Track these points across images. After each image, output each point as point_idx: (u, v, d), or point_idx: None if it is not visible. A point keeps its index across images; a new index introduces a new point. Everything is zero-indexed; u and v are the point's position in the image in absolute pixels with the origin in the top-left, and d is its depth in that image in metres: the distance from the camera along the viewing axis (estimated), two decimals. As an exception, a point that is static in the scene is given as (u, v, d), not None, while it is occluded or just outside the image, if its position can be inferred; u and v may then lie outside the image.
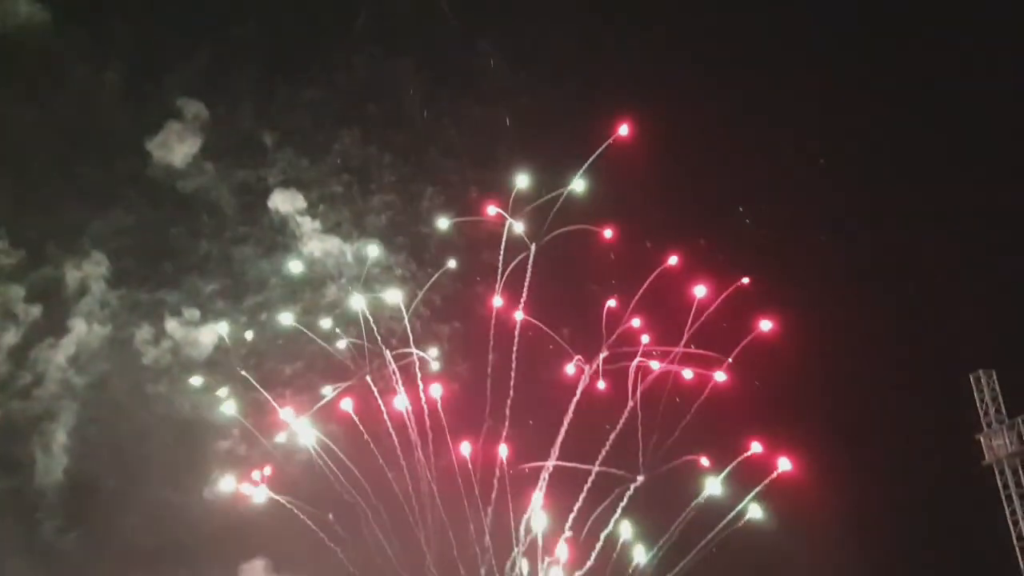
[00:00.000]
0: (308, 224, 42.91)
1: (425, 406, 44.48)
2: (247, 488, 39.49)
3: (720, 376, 42.21)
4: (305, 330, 41.09)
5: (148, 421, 39.26)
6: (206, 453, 40.52)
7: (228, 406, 40.04)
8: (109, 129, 40.73)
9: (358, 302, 42.05)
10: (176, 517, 39.34)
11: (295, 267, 42.18)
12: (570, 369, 43.36)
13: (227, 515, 40.09)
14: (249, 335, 41.60)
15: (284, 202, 42.61)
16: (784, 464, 39.64)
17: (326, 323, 42.50)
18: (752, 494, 40.15)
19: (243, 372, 40.86)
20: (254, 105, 43.05)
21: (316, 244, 42.87)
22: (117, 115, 40.63)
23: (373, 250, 43.25)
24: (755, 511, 39.91)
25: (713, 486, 40.64)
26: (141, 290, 40.96)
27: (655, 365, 43.13)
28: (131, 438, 39.10)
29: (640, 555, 41.34)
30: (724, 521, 39.91)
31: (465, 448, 41.73)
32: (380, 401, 43.85)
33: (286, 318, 41.53)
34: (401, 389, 42.72)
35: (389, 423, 43.54)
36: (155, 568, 37.91)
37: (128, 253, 41.22)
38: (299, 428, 41.16)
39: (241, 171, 42.49)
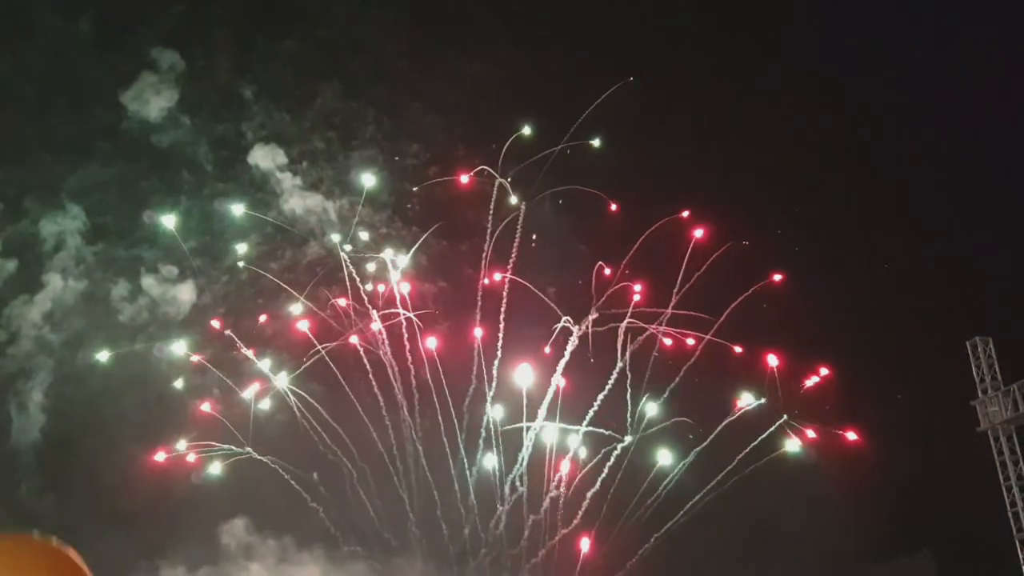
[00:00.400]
0: (289, 180, 41.94)
1: (412, 367, 44.51)
2: (192, 456, 39.17)
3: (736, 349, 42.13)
4: (264, 273, 40.38)
5: (125, 380, 38.52)
6: (185, 413, 39.98)
7: (179, 346, 39.38)
8: (82, 80, 39.58)
9: (344, 256, 41.66)
10: (155, 477, 38.97)
11: (236, 210, 41.13)
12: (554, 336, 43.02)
13: (208, 474, 39.93)
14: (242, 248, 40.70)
15: (264, 158, 41.53)
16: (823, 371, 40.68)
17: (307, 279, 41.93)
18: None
19: (229, 334, 40.59)
20: (232, 56, 41.83)
21: (297, 201, 41.92)
22: (90, 65, 39.38)
23: (368, 179, 42.39)
24: (793, 445, 40.49)
25: (748, 399, 41.24)
26: (118, 246, 40.18)
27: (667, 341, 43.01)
28: (108, 397, 38.45)
29: (665, 458, 41.16)
30: (765, 434, 40.31)
31: (432, 342, 41.76)
32: (365, 360, 43.84)
33: (239, 256, 40.77)
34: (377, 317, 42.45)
35: (374, 381, 43.42)
36: (134, 528, 37.46)
37: (105, 208, 40.35)
38: (278, 381, 40.92)
39: (219, 125, 41.46)
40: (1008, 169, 40.45)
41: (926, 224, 42.53)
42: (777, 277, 41.95)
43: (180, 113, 40.08)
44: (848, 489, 39.54)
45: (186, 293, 40.00)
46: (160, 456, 38.69)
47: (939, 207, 42.23)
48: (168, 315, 39.53)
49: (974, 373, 36.43)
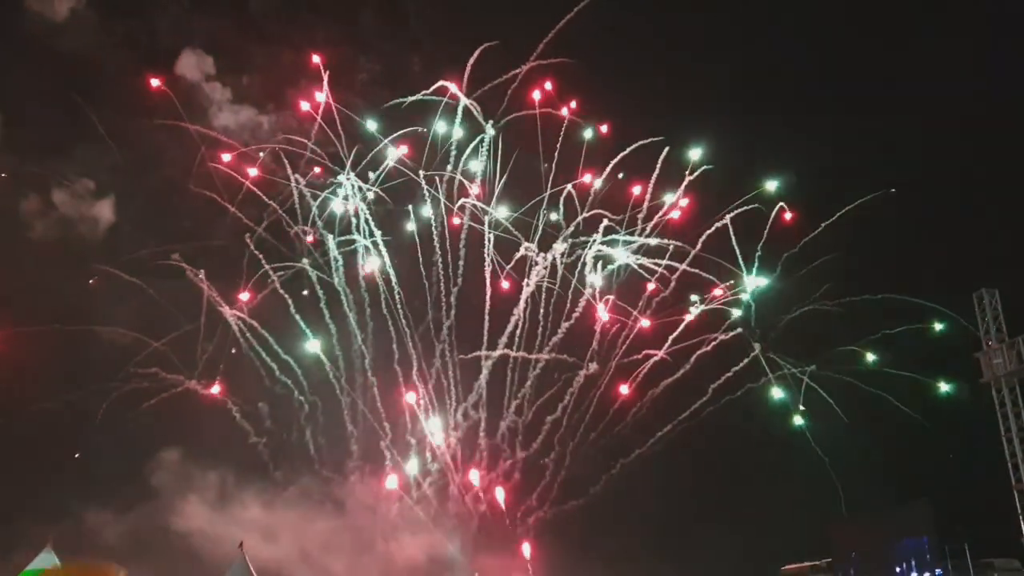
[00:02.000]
0: (219, 92, 38.73)
1: (366, 295, 42.08)
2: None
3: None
4: (206, 191, 37.46)
5: (39, 306, 35.92)
6: (112, 341, 37.55)
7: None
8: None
9: (295, 178, 39.32)
10: (82, 410, 36.83)
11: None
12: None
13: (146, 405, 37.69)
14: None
15: (191, 67, 38.25)
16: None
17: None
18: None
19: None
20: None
21: (229, 116, 38.79)
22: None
23: (322, 96, 39.34)
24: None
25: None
26: (28, 158, 36.97)
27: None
28: (23, 327, 35.71)
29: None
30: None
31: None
32: (318, 287, 41.50)
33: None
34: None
35: (326, 310, 41.11)
36: (61, 465, 36.08)
37: (15, 117, 36.94)
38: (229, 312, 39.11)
39: (136, 28, 37.93)
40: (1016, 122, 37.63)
41: (934, 173, 39.64)
42: (788, 216, 40.10)
43: (88, 11, 36.54)
44: (850, 434, 38.71)
45: (105, 211, 37.24)
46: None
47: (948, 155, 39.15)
48: (83, 234, 36.81)
49: (979, 324, 35.81)
